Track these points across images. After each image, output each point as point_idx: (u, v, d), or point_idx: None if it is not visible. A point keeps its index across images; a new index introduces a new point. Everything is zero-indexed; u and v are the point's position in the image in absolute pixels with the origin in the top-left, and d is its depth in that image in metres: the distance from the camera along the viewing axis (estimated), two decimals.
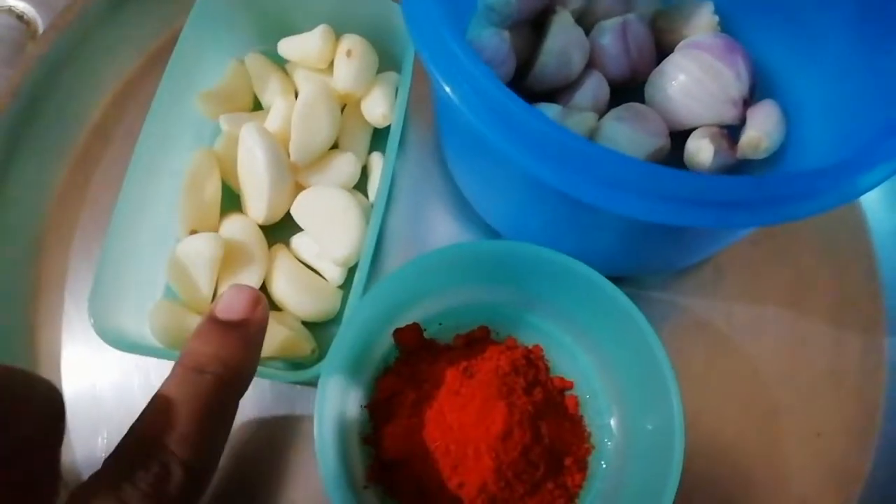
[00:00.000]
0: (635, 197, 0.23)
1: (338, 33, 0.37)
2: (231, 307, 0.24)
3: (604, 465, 0.32)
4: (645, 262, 0.34)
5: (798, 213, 0.23)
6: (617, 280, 0.30)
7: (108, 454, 0.33)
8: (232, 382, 0.23)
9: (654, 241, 0.30)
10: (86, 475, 0.33)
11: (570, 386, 0.33)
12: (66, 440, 0.34)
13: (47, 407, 0.21)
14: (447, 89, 0.25)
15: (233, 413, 0.24)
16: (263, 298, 0.25)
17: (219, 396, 0.22)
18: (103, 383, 0.35)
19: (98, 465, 0.34)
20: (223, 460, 0.33)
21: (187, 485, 0.20)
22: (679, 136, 0.36)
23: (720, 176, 0.29)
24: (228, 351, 0.23)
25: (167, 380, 0.22)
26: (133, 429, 0.21)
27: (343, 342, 0.29)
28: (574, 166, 0.24)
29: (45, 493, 0.22)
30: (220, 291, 0.33)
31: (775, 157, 0.36)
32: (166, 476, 0.20)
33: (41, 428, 0.21)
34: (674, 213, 0.23)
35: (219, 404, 0.22)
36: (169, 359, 0.30)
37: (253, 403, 0.34)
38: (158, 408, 0.21)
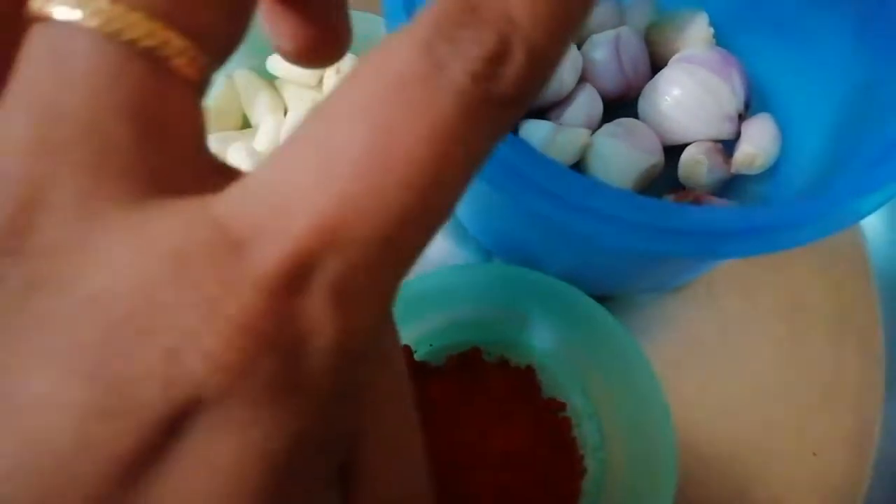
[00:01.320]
0: (622, 227, 0.23)
1: None
2: None
3: (596, 488, 0.32)
4: (636, 283, 0.34)
5: (791, 242, 0.23)
6: (609, 296, 0.29)
7: None
8: None
9: (645, 265, 0.30)
10: None
11: (564, 407, 0.33)
12: None
13: None
14: None
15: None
16: None
17: None
18: None
19: None
20: None
21: (527, 79, 0.12)
22: (673, 151, 0.36)
23: (710, 207, 0.28)
24: None
25: None
26: None
27: None
28: (560, 195, 0.23)
29: None
30: None
31: (770, 170, 0.36)
32: (504, 55, 0.11)
33: None
34: (661, 243, 0.23)
35: None
36: None
37: None
38: None
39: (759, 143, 0.34)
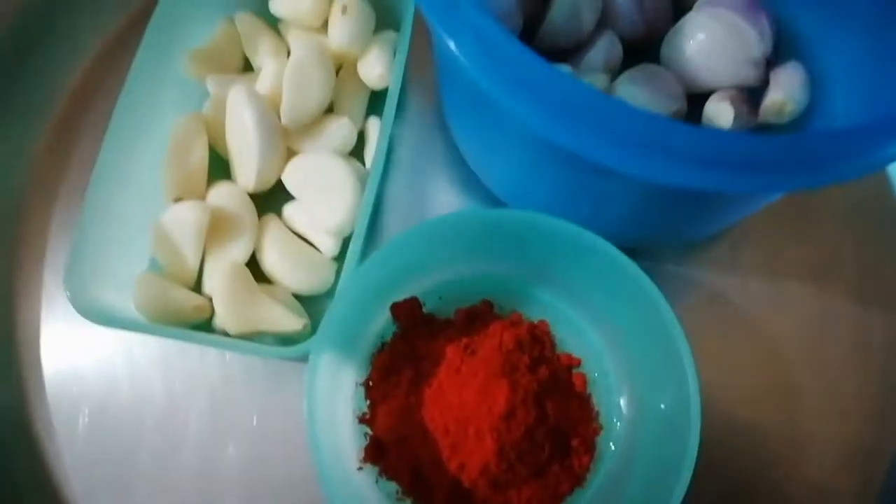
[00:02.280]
0: (656, 157, 0.21)
1: None
2: None
3: (612, 447, 0.30)
4: (661, 231, 0.32)
5: (841, 176, 0.21)
6: (629, 252, 0.28)
7: (89, 433, 0.32)
8: None
9: (671, 207, 0.28)
10: (66, 455, 0.32)
11: (578, 363, 0.32)
12: (46, 419, 0.32)
13: None
14: (448, 40, 0.23)
15: None
16: None
17: None
18: (85, 361, 0.33)
19: (79, 445, 0.32)
20: (209, 438, 0.31)
21: None
22: (696, 99, 0.34)
23: (751, 134, 0.26)
24: None
25: None
26: None
27: (335, 315, 0.27)
28: (589, 124, 0.22)
29: None
30: (206, 263, 0.32)
31: (798, 122, 0.34)
32: None
33: None
34: (701, 176, 0.21)
35: None
36: (151, 333, 0.28)
37: (243, 381, 0.33)
38: None
39: (788, 89, 0.33)
